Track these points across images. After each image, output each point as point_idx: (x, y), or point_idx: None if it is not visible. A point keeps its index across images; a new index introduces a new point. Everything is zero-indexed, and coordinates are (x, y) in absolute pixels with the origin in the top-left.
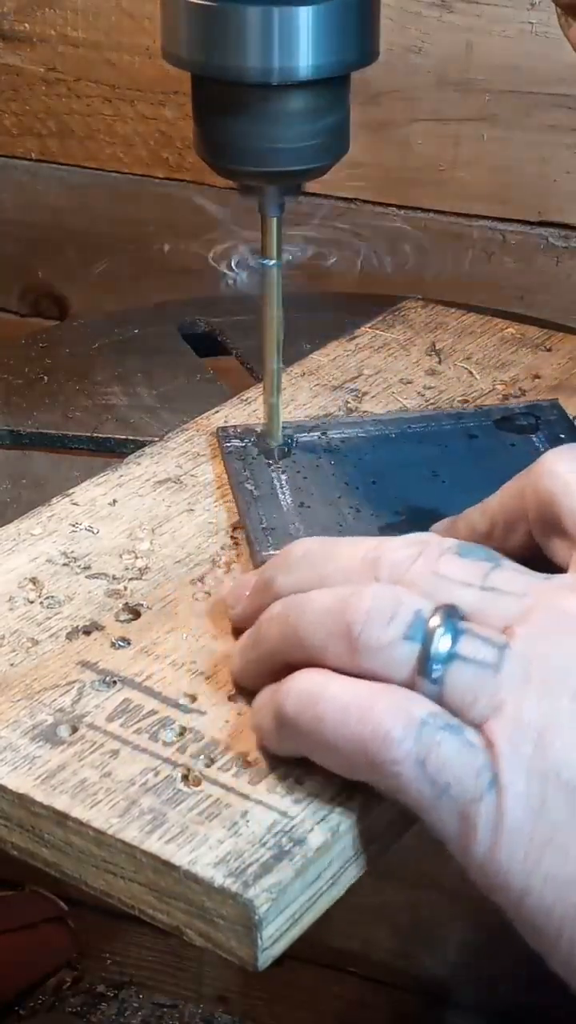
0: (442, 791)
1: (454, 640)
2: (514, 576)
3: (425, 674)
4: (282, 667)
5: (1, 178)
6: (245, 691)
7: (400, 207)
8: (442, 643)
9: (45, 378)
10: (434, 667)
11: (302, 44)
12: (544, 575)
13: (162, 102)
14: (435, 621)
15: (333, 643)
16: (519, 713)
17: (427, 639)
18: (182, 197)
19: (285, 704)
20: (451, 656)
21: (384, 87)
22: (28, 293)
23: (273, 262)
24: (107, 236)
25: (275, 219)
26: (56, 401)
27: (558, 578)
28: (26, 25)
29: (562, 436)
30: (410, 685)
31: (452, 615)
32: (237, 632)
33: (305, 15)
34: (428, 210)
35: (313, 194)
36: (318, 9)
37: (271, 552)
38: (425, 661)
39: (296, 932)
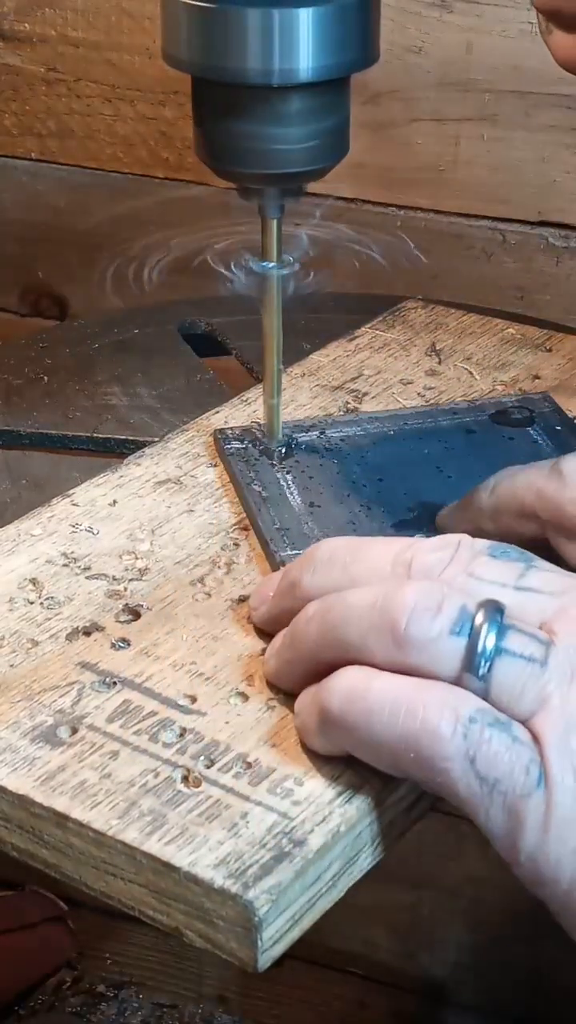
0: (492, 787)
1: (499, 636)
2: (548, 576)
3: (472, 670)
4: (321, 667)
5: (1, 178)
6: (244, 695)
7: (400, 207)
8: (489, 639)
9: (45, 378)
10: (481, 663)
11: (302, 46)
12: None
13: (162, 102)
14: (480, 617)
15: (376, 639)
16: (567, 707)
17: (473, 635)
18: (182, 197)
19: (331, 702)
20: (498, 651)
21: (384, 87)
22: (28, 293)
23: (272, 264)
24: (107, 236)
25: (275, 221)
26: (56, 401)
27: None
28: (26, 25)
29: (558, 428)
30: (456, 681)
31: (497, 611)
32: (260, 633)
33: (305, 17)
34: (428, 210)
35: (313, 194)
36: (318, 11)
37: (289, 552)
38: (472, 657)
39: (296, 933)
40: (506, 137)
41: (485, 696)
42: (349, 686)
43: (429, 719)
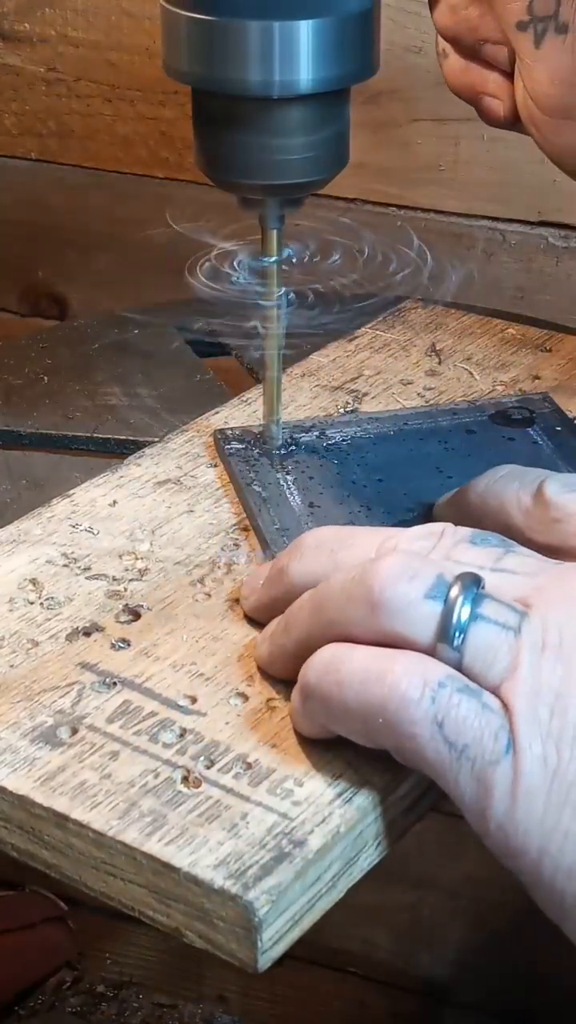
0: (460, 753)
1: (475, 604)
2: (524, 559)
3: (447, 639)
4: (310, 654)
5: (1, 178)
6: (244, 695)
7: (400, 207)
8: (464, 608)
9: (45, 378)
10: (456, 633)
11: (302, 58)
12: (553, 560)
13: (162, 102)
14: (457, 587)
15: (354, 608)
16: (537, 676)
17: (449, 602)
18: (182, 197)
19: (308, 675)
20: (474, 617)
21: (384, 87)
22: (28, 293)
23: (273, 258)
24: (107, 236)
25: (275, 231)
26: (56, 401)
27: (565, 563)
28: (26, 25)
29: (558, 429)
30: (431, 651)
31: (473, 582)
32: (252, 623)
33: (305, 29)
34: (428, 210)
35: (313, 194)
36: (318, 23)
37: None
38: (447, 626)
39: (296, 934)
40: (506, 137)
41: (459, 666)
42: (326, 657)
43: (397, 683)
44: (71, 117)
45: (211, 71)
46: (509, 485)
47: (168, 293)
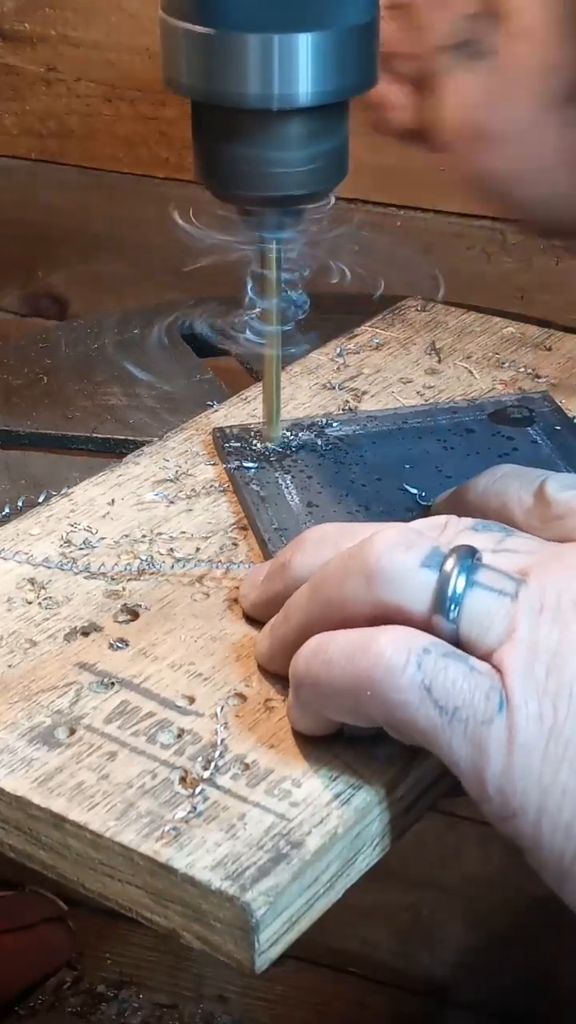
0: (451, 716)
1: (471, 572)
2: (525, 540)
3: (442, 611)
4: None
5: (1, 178)
6: (242, 695)
7: (400, 207)
8: (460, 578)
9: (45, 378)
10: (451, 605)
11: (302, 71)
12: (554, 543)
13: (162, 102)
14: (453, 559)
15: (352, 582)
16: (534, 637)
17: (444, 573)
18: (182, 197)
19: (298, 663)
20: (470, 584)
21: None
22: (28, 293)
23: (273, 274)
24: (107, 236)
25: (274, 243)
26: (56, 401)
27: (562, 543)
28: (26, 25)
29: (558, 428)
30: (427, 623)
31: (469, 553)
32: (250, 623)
33: (304, 42)
34: (428, 210)
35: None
36: (317, 36)
37: None
38: (443, 595)
39: (293, 935)
40: None
41: (455, 637)
42: (313, 645)
43: (381, 652)
44: (71, 117)
45: (210, 84)
46: (510, 484)
47: (168, 293)
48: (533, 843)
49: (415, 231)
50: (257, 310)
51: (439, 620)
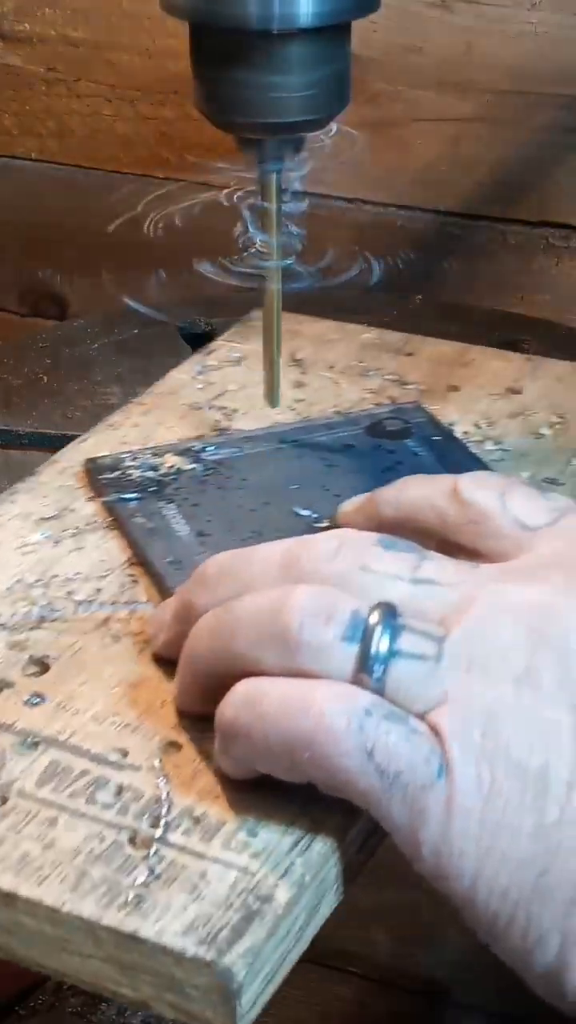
0: (392, 780)
1: (392, 638)
2: (443, 565)
3: (367, 672)
4: (219, 685)
5: (1, 178)
6: (176, 744)
7: (400, 207)
8: (382, 643)
9: (45, 378)
10: (375, 667)
11: None
12: (469, 563)
13: (162, 102)
14: (373, 619)
15: (269, 646)
16: (466, 700)
17: (366, 639)
18: (182, 197)
19: (225, 712)
20: (392, 653)
21: (384, 87)
22: (28, 293)
23: (273, 205)
24: (107, 236)
25: (274, 174)
26: (56, 401)
27: (484, 568)
28: (26, 25)
29: (436, 438)
30: (352, 682)
31: (389, 614)
32: (168, 663)
33: None
34: (428, 210)
35: (313, 194)
36: None
37: None
38: (366, 661)
39: (269, 993)
40: (506, 137)
41: (381, 696)
42: (242, 692)
43: (323, 714)
44: (71, 117)
45: (209, 4)
46: (421, 491)
47: (168, 293)
48: (467, 904)
49: (415, 231)
50: (258, 243)
51: (365, 680)
